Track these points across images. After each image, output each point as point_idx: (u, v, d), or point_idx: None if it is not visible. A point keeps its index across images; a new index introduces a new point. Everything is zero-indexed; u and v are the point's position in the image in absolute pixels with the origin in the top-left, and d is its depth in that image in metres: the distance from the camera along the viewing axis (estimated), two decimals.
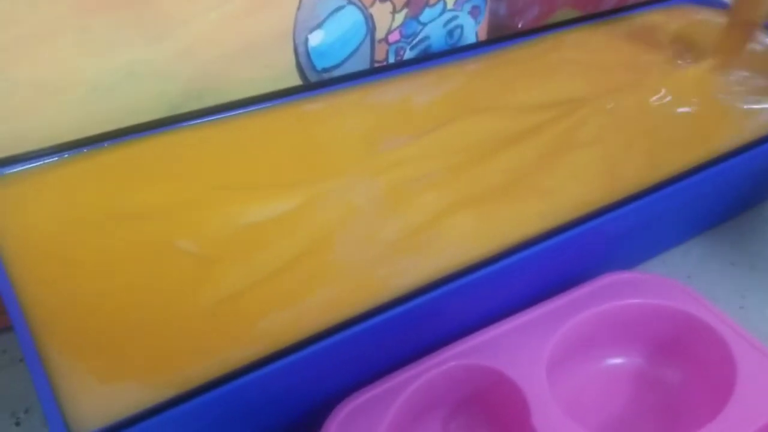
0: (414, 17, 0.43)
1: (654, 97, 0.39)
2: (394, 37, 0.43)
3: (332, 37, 0.40)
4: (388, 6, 0.41)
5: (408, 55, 0.45)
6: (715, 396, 0.31)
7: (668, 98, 0.39)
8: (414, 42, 0.44)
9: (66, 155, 0.32)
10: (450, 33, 0.46)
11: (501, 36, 0.44)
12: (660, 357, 0.35)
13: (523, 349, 0.31)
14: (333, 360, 0.28)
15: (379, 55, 0.43)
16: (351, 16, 0.40)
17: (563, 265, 0.34)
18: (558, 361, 0.32)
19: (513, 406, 0.30)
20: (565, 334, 0.32)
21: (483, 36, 0.48)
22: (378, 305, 0.27)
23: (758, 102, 0.40)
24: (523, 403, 0.30)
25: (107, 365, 0.25)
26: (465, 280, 0.29)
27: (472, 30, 0.47)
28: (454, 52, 0.42)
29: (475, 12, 0.46)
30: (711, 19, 0.48)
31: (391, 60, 0.44)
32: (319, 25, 0.39)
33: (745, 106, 0.39)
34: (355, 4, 0.40)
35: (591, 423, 0.33)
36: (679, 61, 0.43)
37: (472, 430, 0.32)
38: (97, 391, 0.24)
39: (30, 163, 0.32)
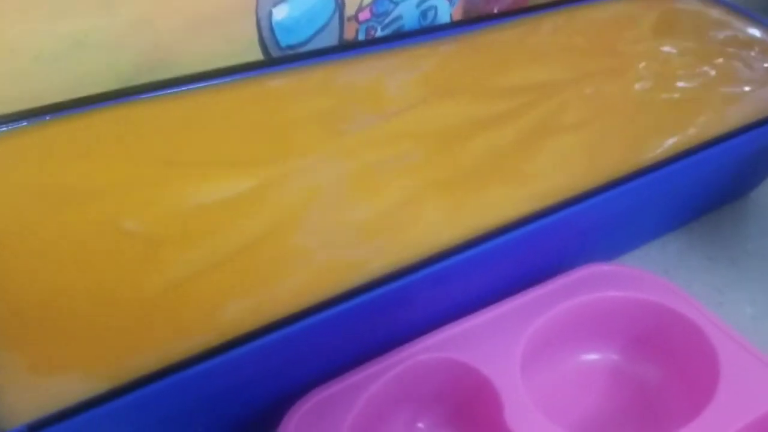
0: None
1: (634, 83, 0.38)
2: (365, 15, 0.41)
3: (298, 12, 0.38)
4: None
5: (379, 35, 0.43)
6: (696, 394, 0.30)
7: (649, 84, 0.38)
8: (386, 21, 0.42)
9: (5, 128, 0.30)
10: (423, 14, 0.44)
11: (477, 17, 0.42)
12: (639, 352, 0.33)
13: (496, 343, 0.30)
14: (292, 351, 0.26)
15: (349, 34, 0.41)
16: None
17: (539, 255, 0.33)
18: (532, 355, 0.31)
19: (485, 402, 0.29)
20: (541, 328, 0.31)
21: (457, 19, 0.46)
22: (342, 292, 0.26)
23: (741, 91, 0.38)
24: (496, 399, 0.28)
25: (42, 355, 0.23)
26: (436, 267, 0.27)
27: (447, 12, 0.45)
28: (428, 31, 0.40)
29: None
30: (691, 6, 0.47)
31: (361, 39, 0.42)
32: None
33: (728, 95, 0.38)
34: None
35: (566, 420, 0.31)
36: (662, 48, 0.41)
37: (442, 427, 0.31)
38: (30, 383, 0.22)
39: None
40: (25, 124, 0.30)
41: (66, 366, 0.23)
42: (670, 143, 0.34)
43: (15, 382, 0.22)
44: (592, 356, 0.34)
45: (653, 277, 0.34)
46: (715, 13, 0.46)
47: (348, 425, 0.27)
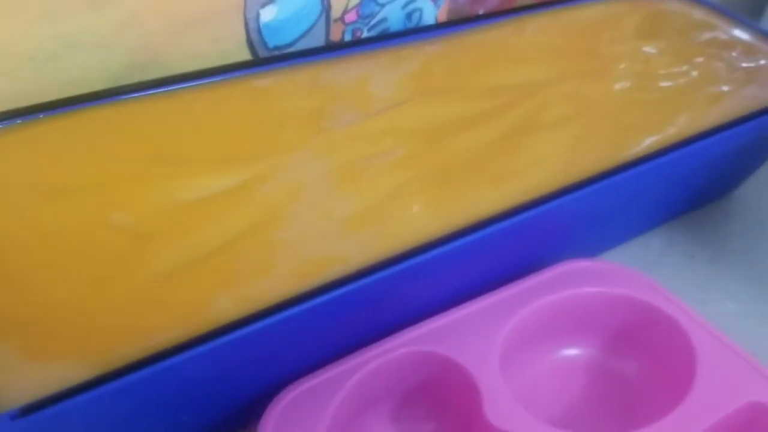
0: None
1: (615, 83, 0.39)
2: (351, 17, 0.42)
3: (285, 14, 0.39)
4: None
5: (365, 36, 0.43)
6: (674, 387, 0.31)
7: (629, 84, 0.39)
8: (372, 23, 0.43)
9: None
10: (409, 16, 0.45)
11: (461, 18, 0.43)
12: (618, 347, 0.34)
13: (476, 337, 0.31)
14: (276, 342, 0.27)
15: (335, 35, 0.42)
16: None
17: (520, 249, 0.34)
18: (512, 349, 0.31)
19: (465, 395, 0.29)
20: (520, 322, 0.32)
21: (442, 21, 0.47)
22: (325, 283, 0.26)
23: (721, 90, 0.39)
24: (476, 391, 0.29)
25: (34, 343, 0.24)
26: (418, 259, 0.28)
27: (432, 14, 0.46)
28: (413, 32, 0.41)
29: None
30: (675, 9, 0.47)
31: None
32: (271, 1, 0.38)
33: (708, 95, 0.39)
34: None
35: (546, 413, 0.32)
36: (643, 49, 0.42)
37: (423, 419, 0.31)
38: (23, 370, 0.23)
39: None
40: (18, 121, 0.31)
41: (57, 354, 0.24)
42: (648, 142, 0.35)
43: (9, 368, 0.23)
44: (572, 351, 0.34)
45: (632, 272, 0.34)
46: (699, 14, 0.47)
47: (329, 416, 0.27)
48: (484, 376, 0.29)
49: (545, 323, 0.33)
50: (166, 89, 0.33)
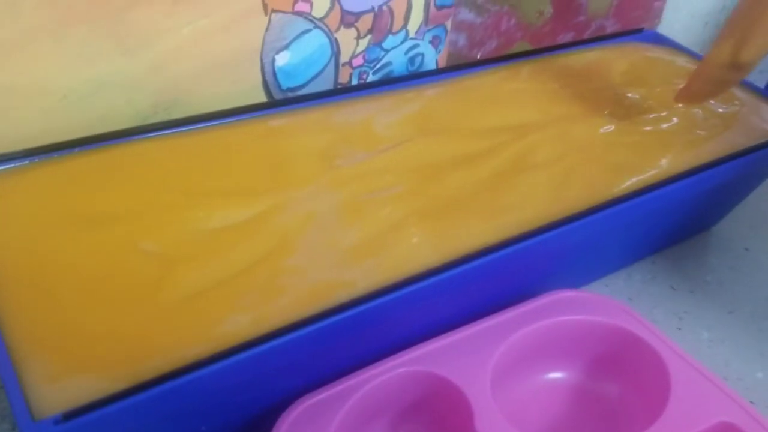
0: (377, 43, 0.45)
1: (601, 127, 0.41)
2: (358, 61, 0.45)
3: (298, 59, 0.42)
4: (353, 32, 0.43)
5: (371, 78, 0.47)
6: (650, 408, 0.33)
7: (614, 127, 0.41)
8: (376, 67, 0.46)
9: (36, 159, 0.34)
10: (411, 60, 0.48)
11: (460, 64, 0.46)
12: (599, 371, 0.37)
13: (469, 359, 0.33)
14: (285, 359, 0.29)
15: (343, 77, 0.45)
16: (317, 40, 0.42)
17: (510, 279, 0.36)
18: (503, 372, 0.34)
19: (458, 413, 0.32)
20: (510, 347, 0.34)
21: (443, 65, 0.50)
22: (331, 308, 0.29)
23: (700, 135, 0.42)
24: (468, 409, 0.31)
25: (69, 358, 0.26)
26: (416, 287, 0.30)
27: (433, 58, 0.49)
28: (415, 77, 0.44)
29: (435, 41, 0.48)
30: (662, 56, 0.51)
31: (354, 83, 0.46)
32: (285, 47, 0.41)
33: (688, 138, 0.42)
34: (321, 28, 0.42)
35: (533, 430, 0.34)
36: (629, 94, 0.45)
37: None
38: (63, 380, 0.26)
39: (0, 165, 0.33)
40: (55, 155, 0.34)
41: (90, 367, 0.26)
42: (631, 182, 0.38)
43: (50, 379, 0.25)
44: (558, 374, 0.37)
45: (614, 302, 0.37)
46: (682, 61, 0.50)
47: (335, 428, 0.30)
48: (476, 395, 0.31)
49: (533, 348, 0.35)
50: (189, 128, 0.37)
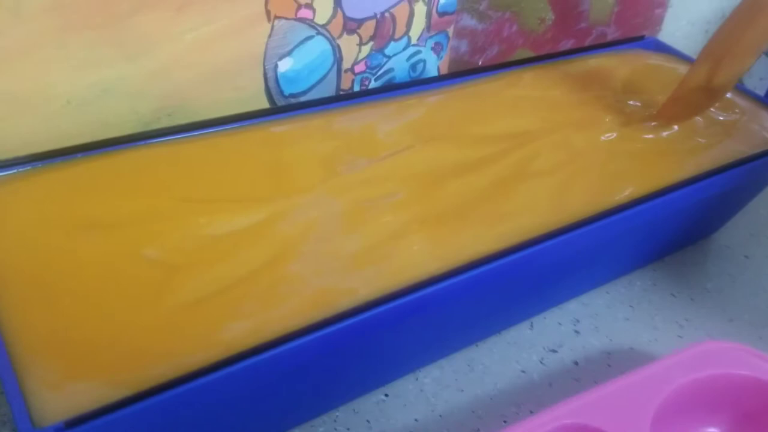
0: (379, 50, 0.45)
1: (602, 134, 0.42)
2: (360, 67, 0.45)
3: (300, 65, 0.42)
4: (355, 38, 0.44)
5: (373, 85, 0.47)
6: None
7: (614, 135, 0.42)
8: (379, 73, 0.47)
9: (39, 165, 0.34)
10: (413, 66, 0.48)
11: (462, 71, 0.46)
12: (748, 427, 0.36)
13: (627, 412, 0.32)
14: (289, 367, 0.29)
15: (345, 84, 0.45)
16: (319, 46, 0.42)
17: (512, 288, 0.36)
18: (659, 425, 0.33)
19: None
20: (666, 399, 0.33)
21: (445, 71, 0.50)
22: (333, 315, 0.29)
23: (700, 142, 0.42)
24: None
25: (72, 365, 0.26)
26: (418, 294, 0.30)
27: (435, 65, 0.49)
28: (417, 83, 0.44)
29: (437, 48, 0.48)
30: (663, 63, 0.51)
31: (357, 89, 0.46)
32: (288, 53, 0.41)
33: (689, 146, 0.42)
34: (323, 34, 0.42)
35: None
36: (630, 102, 0.45)
37: None
38: (65, 388, 0.25)
39: (3, 171, 0.33)
40: (57, 161, 0.34)
41: (92, 374, 0.26)
42: (632, 189, 0.38)
43: (52, 387, 0.25)
44: (712, 430, 0.36)
45: (758, 354, 0.36)
46: (683, 69, 0.50)
47: None
48: None
49: (686, 401, 0.34)
50: (192, 134, 0.37)
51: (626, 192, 0.37)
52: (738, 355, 0.36)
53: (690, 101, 0.42)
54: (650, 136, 0.42)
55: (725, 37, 0.40)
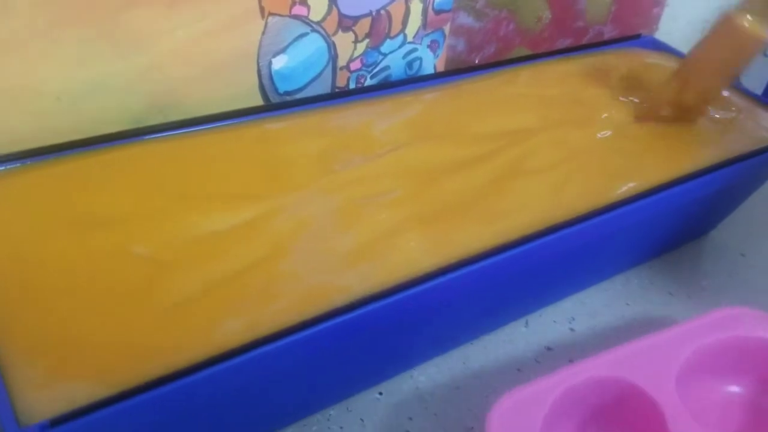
0: (375, 47, 0.45)
1: (597, 131, 0.41)
2: (356, 65, 0.45)
3: (295, 62, 0.42)
4: (350, 35, 0.43)
5: (368, 83, 0.47)
6: None
7: (610, 132, 0.41)
8: (374, 71, 0.46)
9: (29, 162, 0.33)
10: (409, 64, 0.48)
11: (458, 68, 0.46)
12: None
13: (654, 366, 0.34)
14: (281, 364, 0.28)
15: (341, 81, 0.45)
16: (314, 43, 0.42)
17: (506, 284, 0.36)
18: (683, 380, 0.34)
19: (647, 415, 0.32)
20: (690, 357, 0.34)
21: (441, 69, 0.50)
22: (326, 312, 0.28)
23: (696, 139, 0.42)
24: (658, 413, 0.32)
25: (62, 362, 0.26)
26: (413, 291, 0.30)
27: (431, 63, 0.49)
28: (413, 81, 0.44)
29: (434, 46, 0.48)
30: (660, 62, 0.50)
31: (352, 87, 0.46)
32: (282, 50, 0.41)
33: (684, 143, 0.42)
34: (318, 32, 0.42)
35: None
36: (626, 100, 0.45)
37: None
38: (52, 385, 0.25)
39: None
40: (49, 158, 0.34)
41: (79, 373, 0.26)
42: (628, 187, 0.38)
43: (39, 385, 0.25)
44: (735, 388, 0.37)
45: None
46: None
47: (540, 424, 0.31)
48: (665, 399, 0.32)
49: (710, 361, 0.36)
50: (185, 130, 0.36)
51: (622, 189, 0.37)
52: (759, 321, 0.37)
53: (661, 113, 0.43)
54: (646, 133, 0.42)
55: (693, 59, 0.42)
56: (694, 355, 0.34)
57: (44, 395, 0.25)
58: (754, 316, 0.37)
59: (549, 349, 0.40)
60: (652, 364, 0.34)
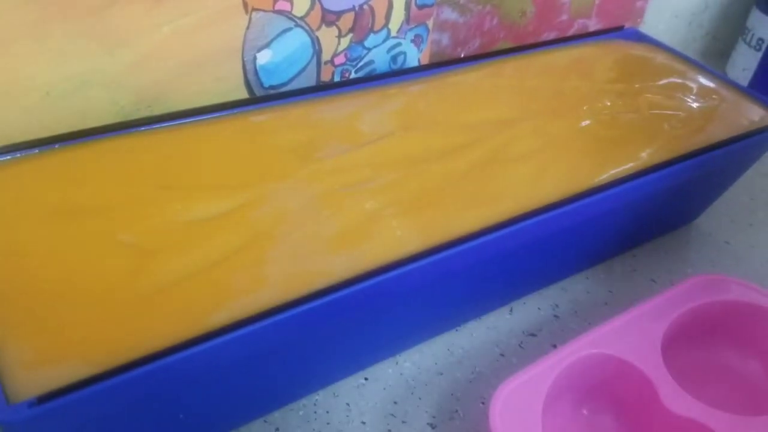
0: (359, 42, 0.46)
1: (580, 121, 0.42)
2: (340, 59, 0.46)
3: (279, 57, 0.43)
4: (334, 30, 0.44)
5: (353, 77, 0.47)
6: None
7: (591, 122, 0.42)
8: (359, 65, 0.47)
9: (18, 155, 0.34)
10: (393, 59, 0.48)
11: (443, 61, 0.47)
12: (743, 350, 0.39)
13: (640, 340, 0.35)
14: (262, 347, 0.29)
15: (325, 76, 0.46)
16: (298, 38, 0.43)
17: (488, 270, 0.36)
18: (668, 349, 0.35)
19: (639, 389, 0.34)
20: (672, 325, 0.36)
21: (425, 63, 0.51)
22: (309, 293, 0.29)
23: (676, 128, 0.42)
24: (650, 386, 0.33)
25: (49, 343, 0.27)
26: (394, 273, 0.30)
27: (415, 57, 0.50)
28: (398, 74, 0.44)
29: (417, 40, 0.49)
30: (642, 53, 0.51)
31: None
32: (267, 45, 0.42)
33: (664, 132, 0.42)
34: (302, 26, 0.42)
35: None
36: (608, 90, 0.45)
37: (604, 412, 0.36)
38: (39, 365, 0.26)
39: None
40: (36, 151, 0.34)
41: (66, 353, 0.26)
42: (609, 173, 0.38)
43: (27, 364, 0.26)
44: (717, 352, 0.39)
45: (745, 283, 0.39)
46: (662, 58, 0.51)
47: (542, 407, 0.32)
48: (653, 371, 0.34)
49: (692, 327, 0.38)
50: (170, 124, 0.37)
51: (604, 175, 0.38)
52: (735, 286, 0.39)
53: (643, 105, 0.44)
54: (628, 122, 0.42)
55: None
56: (677, 324, 0.36)
57: (32, 374, 0.26)
58: (730, 282, 0.39)
59: (533, 335, 0.40)
60: (637, 337, 0.35)
